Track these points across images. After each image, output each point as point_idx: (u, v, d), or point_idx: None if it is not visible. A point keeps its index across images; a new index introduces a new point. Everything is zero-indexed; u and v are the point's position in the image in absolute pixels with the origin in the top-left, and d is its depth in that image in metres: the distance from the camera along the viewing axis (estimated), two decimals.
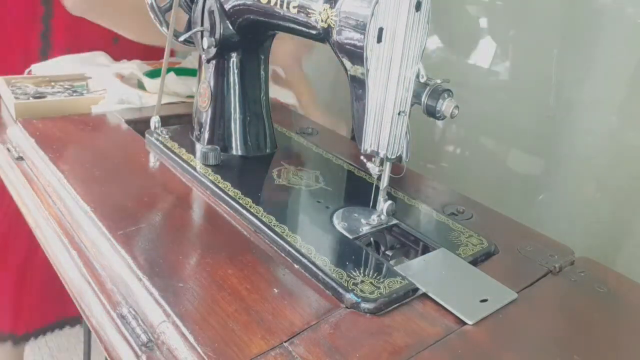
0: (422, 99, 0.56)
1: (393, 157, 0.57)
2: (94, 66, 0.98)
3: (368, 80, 0.55)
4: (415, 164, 1.21)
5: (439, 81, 0.56)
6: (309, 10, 0.60)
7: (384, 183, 0.59)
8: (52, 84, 0.89)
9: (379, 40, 0.54)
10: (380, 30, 0.53)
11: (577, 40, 1.04)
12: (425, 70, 0.56)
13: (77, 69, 0.95)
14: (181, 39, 0.72)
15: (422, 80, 0.56)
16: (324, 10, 0.59)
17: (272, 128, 0.79)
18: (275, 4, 0.64)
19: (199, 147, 0.74)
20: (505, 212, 0.70)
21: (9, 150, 0.77)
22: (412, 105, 0.57)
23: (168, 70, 1.00)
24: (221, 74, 0.73)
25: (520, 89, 1.16)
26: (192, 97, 0.88)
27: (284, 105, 1.05)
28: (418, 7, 0.53)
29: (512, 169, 1.15)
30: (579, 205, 1.06)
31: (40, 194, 0.67)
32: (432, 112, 0.55)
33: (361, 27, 0.54)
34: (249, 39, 0.72)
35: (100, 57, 1.01)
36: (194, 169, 0.70)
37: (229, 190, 0.65)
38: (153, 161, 0.74)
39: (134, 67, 0.98)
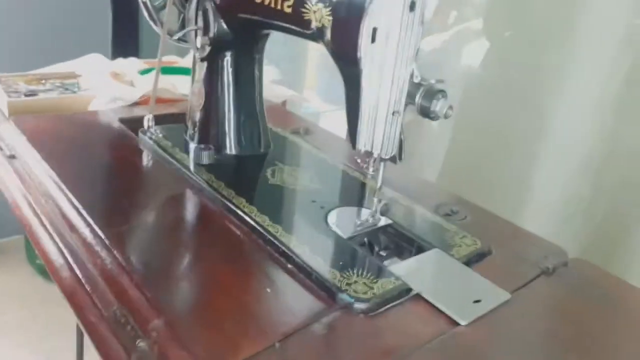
0: (416, 100, 0.56)
1: (387, 157, 0.57)
2: (87, 65, 0.97)
3: (362, 80, 0.55)
4: (410, 164, 1.21)
5: (433, 81, 0.56)
6: (303, 10, 0.60)
7: (378, 183, 0.59)
8: (43, 81, 0.89)
9: (373, 40, 0.54)
10: (374, 30, 0.53)
11: (575, 39, 1.04)
12: (420, 70, 0.56)
13: (73, 66, 0.95)
14: (175, 37, 0.72)
15: (416, 81, 0.56)
16: (318, 9, 0.58)
17: (267, 127, 0.79)
18: (270, 3, 0.63)
19: (192, 146, 0.74)
20: (499, 213, 0.70)
21: (0, 148, 0.76)
22: (406, 105, 0.57)
23: (163, 70, 1.00)
24: (215, 73, 0.73)
25: (514, 88, 1.16)
26: (186, 95, 0.88)
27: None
28: (412, 7, 0.53)
29: (506, 169, 1.15)
30: (573, 205, 1.06)
31: (32, 193, 0.67)
32: (426, 113, 0.55)
33: (355, 27, 0.54)
34: (243, 38, 0.71)
35: (94, 58, 1.01)
36: (187, 168, 0.70)
37: (222, 189, 0.65)
38: (146, 160, 0.73)
39: (128, 66, 0.97)
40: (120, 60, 1.03)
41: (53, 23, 1.74)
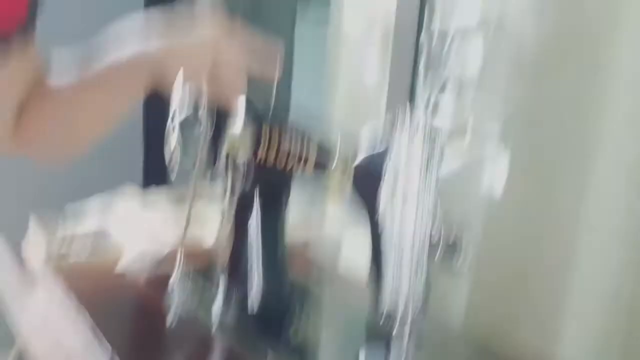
0: (437, 256, 0.57)
1: (412, 314, 0.57)
2: (116, 214, 1.01)
3: (383, 239, 0.57)
4: (433, 309, 1.18)
5: (452, 237, 0.58)
6: (324, 174, 0.64)
7: (405, 341, 0.58)
8: (73, 240, 0.92)
9: (392, 200, 0.56)
10: (393, 190, 0.56)
11: (591, 167, 1.05)
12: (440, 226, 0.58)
13: (102, 220, 0.99)
14: (203, 202, 0.76)
15: (436, 237, 0.58)
16: (338, 172, 0.62)
17: (291, 282, 0.80)
18: (293, 167, 0.68)
19: (217, 304, 0.75)
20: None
21: (33, 311, 0.78)
22: (428, 258, 0.58)
23: None
24: (240, 231, 0.76)
25: (538, 214, 1.15)
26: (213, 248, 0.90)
27: None
28: (428, 165, 0.56)
29: (534, 299, 1.11)
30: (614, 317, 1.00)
31: (65, 354, 0.67)
32: (447, 268, 0.57)
33: (374, 189, 0.57)
34: (267, 198, 0.75)
35: (124, 202, 1.05)
36: (213, 325, 0.70)
37: (247, 347, 0.65)
38: (173, 318, 0.74)
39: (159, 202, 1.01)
40: (150, 200, 1.06)
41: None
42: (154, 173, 1.75)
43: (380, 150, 0.59)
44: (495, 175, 1.30)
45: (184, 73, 0.63)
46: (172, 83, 0.64)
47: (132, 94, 0.68)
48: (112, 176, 1.14)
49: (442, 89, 1.52)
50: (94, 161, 1.78)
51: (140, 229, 0.96)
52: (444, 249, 0.57)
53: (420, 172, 0.56)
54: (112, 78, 0.65)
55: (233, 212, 0.75)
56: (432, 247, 0.58)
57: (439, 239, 0.58)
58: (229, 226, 0.77)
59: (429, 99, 1.54)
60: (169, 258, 0.92)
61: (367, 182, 0.59)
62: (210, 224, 0.95)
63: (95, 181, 1.11)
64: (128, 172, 1.26)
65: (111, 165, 1.69)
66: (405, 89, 1.22)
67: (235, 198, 0.74)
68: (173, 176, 0.80)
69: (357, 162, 0.62)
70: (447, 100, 1.54)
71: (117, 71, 0.64)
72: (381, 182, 0.57)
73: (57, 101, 0.66)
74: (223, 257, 0.78)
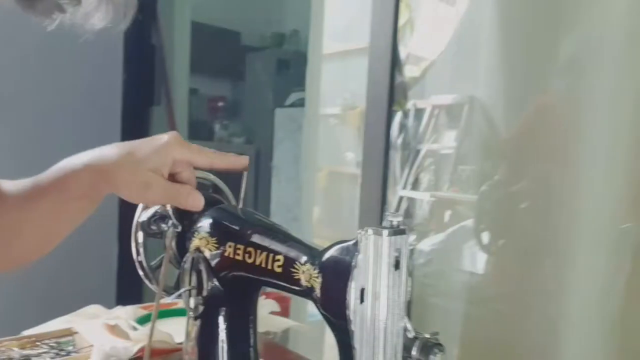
0: (413, 354, 0.54)
1: None
2: (84, 318, 0.97)
3: (354, 340, 0.54)
4: None
5: (427, 335, 0.55)
6: (292, 270, 0.62)
7: None
8: (37, 343, 0.88)
9: (362, 300, 0.54)
10: (362, 290, 0.54)
11: (570, 246, 1.05)
12: (412, 325, 0.56)
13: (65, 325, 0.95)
14: (169, 299, 0.73)
15: (410, 336, 0.55)
16: (307, 270, 0.60)
17: None
18: (261, 262, 0.65)
19: None
20: None
21: None
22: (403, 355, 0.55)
23: (162, 314, 1.00)
24: (208, 331, 0.72)
25: (516, 294, 1.14)
26: (182, 344, 0.85)
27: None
28: (397, 265, 0.55)
29: None
30: None
31: None
32: None
33: (342, 288, 0.55)
34: (236, 294, 0.72)
35: (92, 309, 1.01)
36: None
37: None
38: None
39: (124, 316, 0.97)
40: (117, 309, 1.03)
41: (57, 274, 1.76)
42: (126, 293, 1.71)
43: (350, 244, 0.57)
44: (476, 248, 1.29)
45: (141, 172, 0.62)
46: (129, 185, 0.63)
47: (86, 199, 0.66)
48: (82, 296, 1.09)
49: (421, 164, 1.54)
50: (65, 282, 1.73)
51: (106, 329, 0.91)
52: (421, 345, 0.54)
53: (389, 269, 0.54)
54: (63, 182, 0.63)
55: (201, 308, 0.72)
56: (407, 343, 0.55)
57: (414, 336, 0.55)
58: (197, 323, 0.73)
59: (408, 175, 1.55)
60: (137, 357, 0.87)
61: (336, 279, 0.56)
62: (179, 321, 0.92)
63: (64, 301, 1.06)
64: (99, 293, 1.22)
65: (82, 284, 1.64)
66: (379, 167, 1.22)
67: (204, 293, 0.71)
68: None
69: (326, 254, 0.59)
70: (426, 174, 1.56)
71: (69, 174, 0.63)
72: (350, 275, 0.55)
73: (6, 208, 0.63)
74: (192, 355, 0.74)
